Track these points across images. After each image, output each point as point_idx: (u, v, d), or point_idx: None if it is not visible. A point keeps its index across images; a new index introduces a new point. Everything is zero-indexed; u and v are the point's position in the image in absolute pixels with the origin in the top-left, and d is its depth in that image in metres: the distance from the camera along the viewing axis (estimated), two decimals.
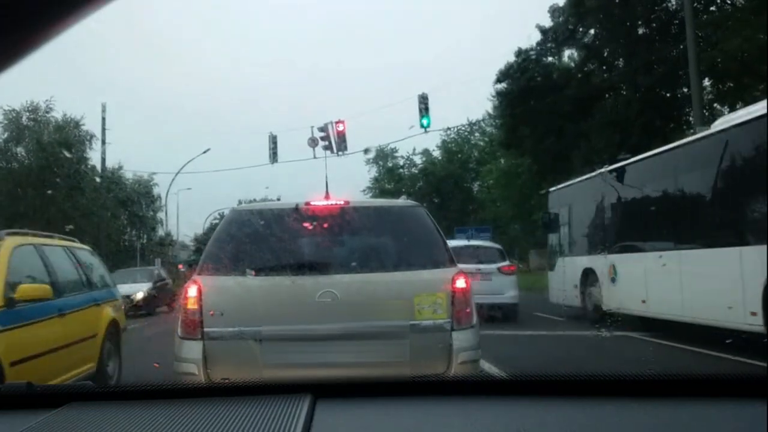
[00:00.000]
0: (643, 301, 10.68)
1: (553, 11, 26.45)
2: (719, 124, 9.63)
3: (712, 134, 9.52)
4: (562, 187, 15.33)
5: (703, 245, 9.41)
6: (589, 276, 13.05)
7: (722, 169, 9.16)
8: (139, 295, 19.14)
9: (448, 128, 49.14)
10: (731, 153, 8.95)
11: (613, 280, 11.94)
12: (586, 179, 13.92)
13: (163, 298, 21.02)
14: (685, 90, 22.09)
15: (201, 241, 43.21)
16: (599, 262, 12.53)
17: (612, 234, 12.59)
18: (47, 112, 32.80)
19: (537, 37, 27.19)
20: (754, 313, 7.90)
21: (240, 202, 31.94)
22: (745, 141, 8.64)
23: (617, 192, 12.18)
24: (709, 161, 9.36)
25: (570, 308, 13.54)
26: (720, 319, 8.69)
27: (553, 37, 26.92)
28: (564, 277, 14.09)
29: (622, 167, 12.15)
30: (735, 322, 8.33)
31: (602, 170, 12.96)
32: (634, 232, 11.81)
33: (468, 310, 4.31)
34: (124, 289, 18.99)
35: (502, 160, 40.41)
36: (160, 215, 45.91)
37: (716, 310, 8.71)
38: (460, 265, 4.65)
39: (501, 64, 27.73)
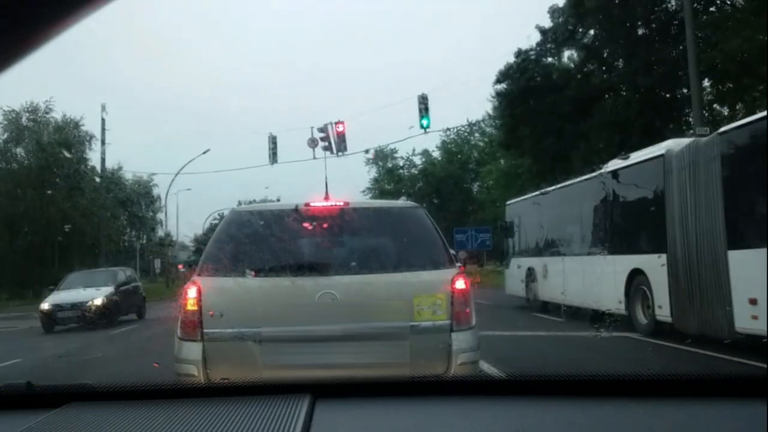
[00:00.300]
0: (562, 293, 13.66)
1: (553, 12, 26.45)
2: (609, 167, 12.82)
3: (600, 174, 13.01)
4: (515, 202, 19.00)
5: (594, 253, 12.86)
6: (531, 273, 16.36)
7: (607, 201, 12.71)
8: (97, 303, 16.41)
9: (448, 129, 49.09)
10: (614, 189, 12.41)
11: (545, 276, 15.41)
12: (530, 197, 17.51)
13: (130, 304, 18.62)
14: (685, 91, 22.09)
15: (201, 242, 43.25)
16: (537, 263, 15.96)
17: (546, 241, 15.96)
18: (47, 113, 32.92)
19: (537, 37, 27.21)
20: (620, 301, 11.37)
21: (240, 203, 31.95)
22: (622, 181, 12.00)
23: (547, 209, 15.75)
24: (599, 195, 12.91)
25: (519, 298, 17.14)
26: (605, 305, 11.78)
27: (552, 38, 26.91)
28: (515, 273, 17.69)
29: (549, 191, 16.02)
30: (612, 307, 11.51)
31: (542, 190, 16.69)
32: (558, 240, 15.28)
33: (467, 311, 4.31)
34: (77, 295, 16.53)
35: (502, 161, 40.40)
36: (160, 216, 46.03)
37: (602, 299, 12.01)
38: None
39: (501, 65, 27.74)
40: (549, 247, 15.64)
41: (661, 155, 10.45)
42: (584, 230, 13.80)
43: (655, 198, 10.67)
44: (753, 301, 7.97)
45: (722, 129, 9.45)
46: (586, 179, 13.86)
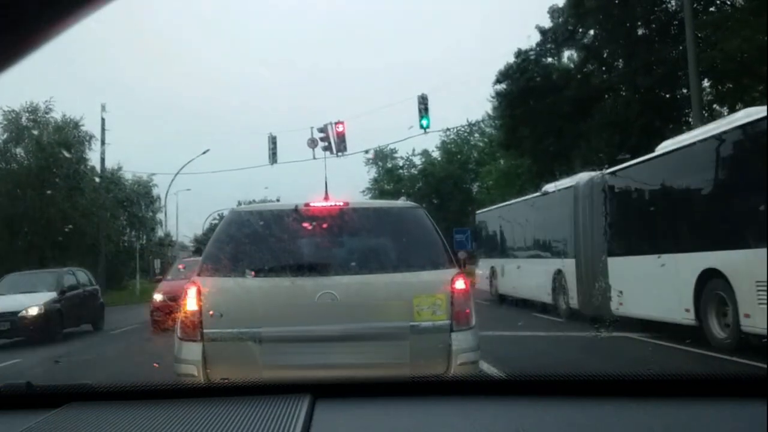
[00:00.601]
0: (513, 288, 17.54)
1: (553, 12, 26.44)
2: (548, 188, 16.21)
3: (544, 194, 16.12)
4: (483, 212, 22.83)
5: (532, 257, 16.45)
6: (493, 271, 19.56)
7: (541, 216, 15.99)
8: (32, 312, 13.44)
9: (448, 129, 48.94)
10: (546, 208, 15.74)
11: (502, 274, 18.64)
12: (492, 209, 21.45)
13: (81, 313, 15.57)
14: (685, 91, 22.06)
15: (200, 242, 43.23)
16: (497, 263, 19.29)
17: (502, 245, 19.49)
18: (47, 113, 32.80)
19: (537, 37, 27.19)
20: (548, 294, 14.73)
21: (239, 203, 31.89)
22: (550, 202, 15.39)
23: (503, 220, 19.09)
24: (537, 211, 16.25)
25: (485, 292, 19.66)
26: (541, 297, 15.20)
27: (552, 38, 26.90)
28: (481, 272, 20.99)
29: (503, 205, 20.02)
30: (547, 299, 14.82)
31: (497, 205, 21.03)
32: (510, 245, 18.77)
33: (467, 311, 4.32)
34: (9, 302, 13.49)
35: (502, 161, 40.39)
36: (160, 216, 45.87)
37: (539, 292, 15.28)
38: None
39: (501, 65, 27.72)
40: (504, 251, 19.07)
41: (572, 186, 13.98)
42: (527, 238, 17.24)
43: (569, 217, 13.94)
44: (620, 293, 11.30)
45: (609, 170, 12.51)
46: (528, 198, 17.62)
